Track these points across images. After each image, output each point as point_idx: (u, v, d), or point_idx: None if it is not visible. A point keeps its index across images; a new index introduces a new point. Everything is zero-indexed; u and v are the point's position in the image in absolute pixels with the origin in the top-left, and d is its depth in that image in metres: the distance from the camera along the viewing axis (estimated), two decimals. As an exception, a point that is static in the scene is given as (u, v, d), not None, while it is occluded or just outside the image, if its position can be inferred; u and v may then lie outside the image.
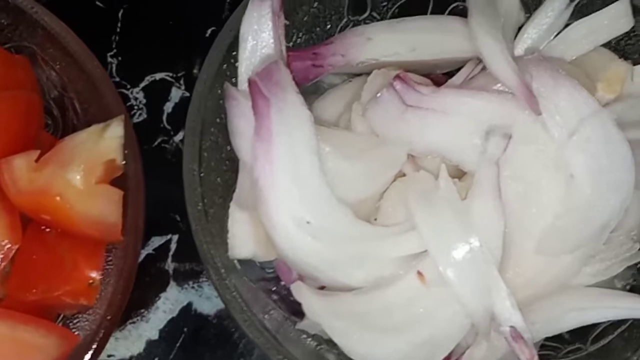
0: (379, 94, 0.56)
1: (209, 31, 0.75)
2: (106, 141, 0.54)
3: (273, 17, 0.56)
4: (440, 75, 0.64)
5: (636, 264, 0.59)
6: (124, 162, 0.55)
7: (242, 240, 0.55)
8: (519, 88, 0.54)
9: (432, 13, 0.66)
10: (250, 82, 0.54)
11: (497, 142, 0.52)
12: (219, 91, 0.58)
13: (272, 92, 0.53)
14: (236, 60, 0.58)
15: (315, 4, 0.63)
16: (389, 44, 0.59)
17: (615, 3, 0.59)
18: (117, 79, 0.74)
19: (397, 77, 0.56)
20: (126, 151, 0.55)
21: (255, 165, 0.53)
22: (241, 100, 0.55)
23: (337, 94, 0.60)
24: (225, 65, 0.59)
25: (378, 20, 0.66)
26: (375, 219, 0.57)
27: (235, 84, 0.58)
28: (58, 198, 0.52)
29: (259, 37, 0.57)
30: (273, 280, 0.58)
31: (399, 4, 0.66)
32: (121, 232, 0.54)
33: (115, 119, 0.55)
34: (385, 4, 0.66)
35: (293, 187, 0.52)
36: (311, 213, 0.53)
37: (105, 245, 0.56)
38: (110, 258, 0.55)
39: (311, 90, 0.63)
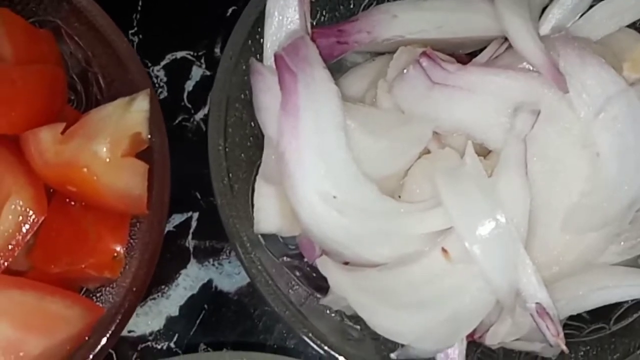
0: (405, 71, 0.55)
1: (230, 10, 0.75)
2: (132, 114, 0.54)
3: (300, -7, 0.56)
4: (463, 55, 0.64)
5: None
6: (149, 136, 0.55)
7: (267, 214, 0.55)
8: (546, 66, 0.54)
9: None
10: (277, 57, 0.54)
11: (525, 118, 0.52)
12: (244, 67, 0.58)
13: (299, 67, 0.53)
14: (261, 37, 0.58)
15: (340, -18, 0.63)
16: (414, 22, 0.59)
17: (641, -17, 0.59)
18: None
19: (424, 53, 0.55)
20: (152, 125, 0.55)
21: (282, 140, 0.53)
22: (267, 76, 0.55)
23: (362, 72, 0.60)
24: (250, 42, 0.59)
25: (402, -1, 0.66)
26: (400, 196, 0.56)
27: (260, 60, 0.58)
28: (85, 170, 0.52)
29: (285, 12, 0.57)
30: (296, 257, 0.58)
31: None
32: (146, 205, 0.54)
33: (141, 93, 0.55)
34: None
35: (319, 161, 0.52)
36: (337, 188, 0.53)
37: (130, 219, 0.56)
38: (134, 232, 0.55)
39: (334, 69, 0.62)
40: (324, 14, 0.64)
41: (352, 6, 0.65)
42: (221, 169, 0.55)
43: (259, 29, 0.58)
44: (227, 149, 0.55)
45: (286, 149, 0.53)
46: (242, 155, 0.57)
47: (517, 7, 0.57)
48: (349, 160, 0.53)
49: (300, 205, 0.53)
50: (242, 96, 0.58)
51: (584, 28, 0.60)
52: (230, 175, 0.55)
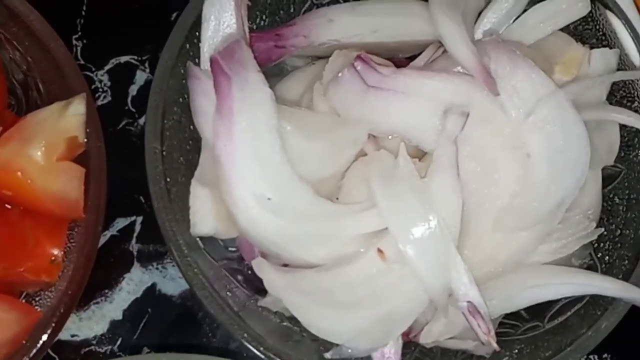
0: (340, 74, 0.56)
1: (174, 15, 0.75)
2: (68, 118, 0.54)
3: (236, -4, 0.57)
4: (402, 59, 0.65)
5: (592, 243, 0.60)
6: (85, 140, 0.55)
7: (204, 216, 0.56)
8: (477, 69, 0.55)
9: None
10: (212, 60, 0.55)
11: (455, 120, 0.53)
12: (182, 71, 0.59)
13: (233, 70, 0.54)
14: (199, 40, 0.59)
15: (278, -15, 0.64)
16: (350, 26, 0.60)
17: (573, -13, 0.60)
18: (82, 62, 0.74)
19: (358, 57, 0.56)
20: (88, 129, 0.55)
21: (217, 143, 0.53)
22: (203, 79, 0.56)
23: (300, 75, 0.61)
24: (187, 45, 0.59)
25: (341, 3, 0.67)
26: (337, 198, 0.57)
27: (197, 64, 0.58)
28: (19, 173, 0.52)
29: (221, 16, 0.57)
30: (236, 260, 0.59)
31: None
32: (83, 209, 0.54)
33: (77, 97, 0.55)
34: (349, -15, 0.66)
35: (254, 164, 0.53)
36: (272, 190, 0.53)
37: (68, 223, 0.56)
38: (72, 235, 0.55)
39: (274, 73, 0.63)
40: (264, 18, 0.64)
41: (292, 10, 0.66)
42: (157, 172, 0.55)
43: (197, 33, 0.58)
44: (164, 153, 0.56)
45: (221, 152, 0.53)
46: (181, 158, 0.58)
47: (451, 11, 0.58)
48: (284, 163, 0.53)
49: (236, 208, 0.53)
50: (181, 100, 0.58)
51: (517, 32, 0.61)
52: (168, 179, 0.55)
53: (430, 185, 0.54)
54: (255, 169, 0.53)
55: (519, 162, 0.55)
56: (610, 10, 0.60)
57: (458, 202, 0.54)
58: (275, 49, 0.60)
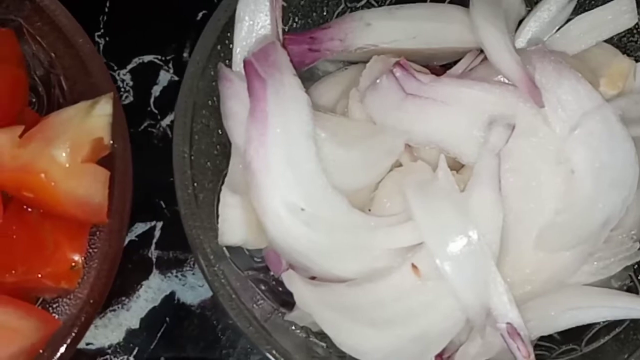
0: (378, 80, 0.54)
1: (200, 14, 0.73)
2: (94, 119, 0.52)
3: (270, -1, 0.55)
4: (438, 67, 0.63)
5: (633, 265, 0.58)
6: (111, 142, 0.53)
7: (233, 226, 0.53)
8: (521, 79, 0.53)
9: (432, 1, 0.65)
10: (246, 63, 0.52)
11: (500, 132, 0.51)
12: (212, 73, 0.57)
13: (268, 73, 0.52)
14: (230, 42, 0.57)
15: (312, -13, 0.62)
16: (388, 31, 0.57)
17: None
18: (104, 61, 0.71)
19: (398, 64, 0.54)
20: (114, 131, 0.53)
21: (249, 148, 0.51)
22: (235, 82, 0.54)
23: (334, 81, 0.59)
24: (219, 47, 0.57)
25: (377, 7, 0.65)
26: (370, 210, 0.55)
27: (229, 66, 0.56)
28: (42, 175, 0.50)
29: (255, 17, 0.55)
30: (262, 270, 0.56)
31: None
32: (107, 214, 0.52)
33: (104, 97, 0.53)
34: (385, -11, 0.64)
35: (287, 171, 0.51)
36: (305, 199, 0.51)
37: (90, 228, 0.53)
38: (94, 241, 0.53)
39: (306, 77, 0.61)
40: (296, 20, 0.62)
41: (325, 13, 0.64)
42: (186, 177, 0.53)
43: (229, 34, 0.56)
44: (192, 157, 0.54)
45: (253, 158, 0.51)
46: (208, 163, 0.56)
47: (494, 18, 0.56)
48: (318, 172, 0.51)
49: (267, 217, 0.51)
50: (210, 103, 0.56)
51: (560, 42, 0.59)
52: (195, 184, 0.53)
53: (469, 199, 0.51)
54: (289, 177, 0.51)
55: (563, 177, 0.53)
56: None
57: (499, 217, 0.51)
58: (310, 53, 0.58)
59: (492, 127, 0.51)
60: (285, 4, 0.58)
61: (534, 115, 0.53)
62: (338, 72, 0.60)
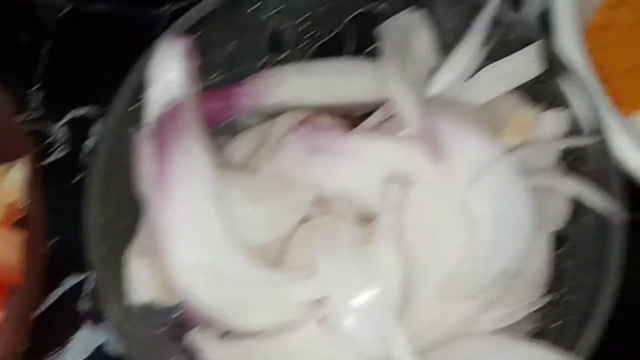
0: (286, 138, 0.55)
1: (135, 67, 0.74)
2: (8, 183, 0.53)
3: (183, 58, 0.56)
4: (359, 116, 0.64)
5: (543, 308, 0.59)
6: (26, 205, 0.54)
7: (142, 284, 0.55)
8: (422, 133, 0.54)
9: (354, 51, 0.67)
10: (154, 125, 0.54)
11: (397, 189, 0.52)
12: (128, 133, 0.58)
13: (174, 135, 0.53)
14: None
15: (233, 43, 0.63)
16: (299, 87, 0.59)
17: (525, 48, 0.59)
18: (39, 114, 0.73)
19: (305, 120, 0.56)
20: (30, 194, 0.55)
21: (156, 209, 0.53)
22: (147, 143, 0.55)
23: (248, 136, 0.60)
24: (135, 105, 0.58)
25: (299, 59, 0.66)
26: (282, 264, 0.56)
27: (144, 126, 0.57)
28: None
29: (167, 78, 0.56)
30: (178, 326, 0.58)
31: (320, 42, 0.66)
32: (21, 276, 0.53)
33: (19, 161, 0.54)
34: (306, 42, 0.66)
35: (193, 231, 0.52)
36: (211, 258, 0.53)
37: (6, 289, 0.55)
38: (10, 302, 0.55)
39: (227, 130, 0.63)
40: (217, 74, 0.64)
41: (247, 66, 0.65)
42: (97, 236, 0.54)
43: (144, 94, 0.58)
44: (105, 216, 0.55)
45: (160, 219, 0.52)
46: (122, 222, 0.57)
47: (401, 70, 0.57)
48: (223, 230, 0.52)
49: (176, 276, 0.53)
50: (125, 162, 0.57)
51: (470, 91, 0.60)
52: (108, 243, 0.54)
53: (373, 252, 0.53)
54: (195, 238, 0.52)
55: (465, 228, 0.54)
56: (563, 71, 0.59)
57: (401, 270, 0.53)
58: (225, 110, 0.60)
59: (389, 183, 0.52)
60: (201, 62, 0.60)
61: (437, 167, 0.55)
62: (254, 127, 0.61)
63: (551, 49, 0.59)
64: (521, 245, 0.53)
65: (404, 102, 0.56)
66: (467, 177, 0.54)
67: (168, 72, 0.56)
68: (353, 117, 0.63)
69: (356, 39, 0.67)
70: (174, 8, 0.77)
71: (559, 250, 0.61)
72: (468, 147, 0.55)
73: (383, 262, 0.53)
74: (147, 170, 0.55)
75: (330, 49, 0.67)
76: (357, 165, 0.55)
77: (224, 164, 0.57)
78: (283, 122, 0.56)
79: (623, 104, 0.71)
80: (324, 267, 0.52)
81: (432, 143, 0.54)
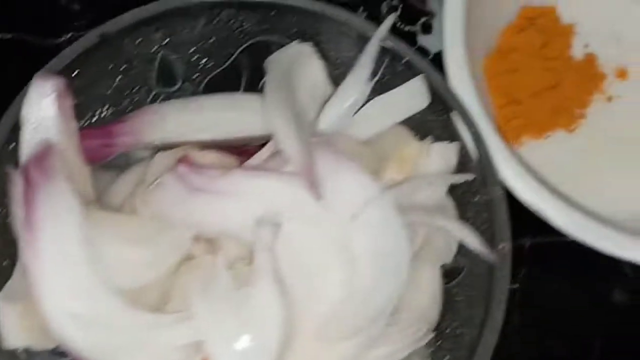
0: (162, 178, 0.54)
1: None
2: None
3: (56, 97, 0.55)
4: (256, 147, 0.63)
5: (435, 341, 0.59)
6: None
7: (13, 330, 0.54)
8: (303, 170, 0.54)
9: (246, 85, 0.66)
10: (23, 167, 0.53)
11: (268, 231, 0.52)
12: (6, 170, 0.56)
13: (41, 178, 0.52)
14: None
15: (119, 78, 0.62)
16: (181, 124, 0.58)
17: (411, 80, 0.59)
18: None
19: (182, 160, 0.55)
20: None
21: (24, 254, 0.52)
22: (19, 184, 0.54)
23: (130, 174, 0.59)
24: (13, 145, 0.57)
25: (191, 92, 0.66)
26: (166, 304, 0.55)
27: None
28: None
29: (40, 118, 0.55)
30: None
31: (211, 75, 0.65)
32: None
33: None
34: (197, 75, 0.65)
35: (62, 277, 0.51)
36: (82, 303, 0.52)
37: None
38: None
39: (121, 163, 0.62)
40: (105, 109, 0.63)
41: (137, 99, 0.64)
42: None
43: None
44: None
45: (30, 263, 0.51)
46: (4, 263, 0.56)
47: (284, 106, 0.57)
48: (93, 275, 0.52)
49: (49, 322, 0.52)
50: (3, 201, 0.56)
51: (357, 124, 0.60)
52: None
53: (250, 295, 0.52)
54: (64, 283, 0.51)
55: (344, 266, 0.54)
56: (451, 103, 0.58)
57: (280, 312, 0.52)
58: (105, 148, 0.59)
59: (260, 225, 0.52)
60: (89, 93, 0.59)
61: (318, 204, 0.54)
62: (134, 167, 0.60)
63: (438, 81, 0.59)
64: (398, 283, 0.53)
65: (285, 139, 0.55)
66: (347, 214, 0.54)
67: (40, 112, 0.55)
68: (251, 147, 0.62)
69: (251, 71, 0.66)
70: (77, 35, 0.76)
71: (452, 283, 0.61)
72: (348, 184, 0.54)
73: (261, 305, 0.52)
74: (18, 212, 0.53)
75: (227, 81, 0.66)
76: (237, 203, 0.54)
77: (102, 203, 0.56)
78: (159, 163, 0.56)
79: (534, 125, 0.71)
80: (201, 310, 0.52)
81: (312, 180, 0.53)
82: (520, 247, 0.71)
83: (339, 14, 0.60)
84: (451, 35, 0.61)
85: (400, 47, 0.59)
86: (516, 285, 0.70)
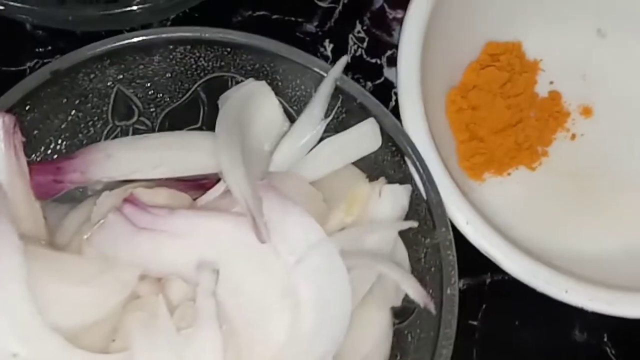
0: (107, 218, 0.54)
1: None
2: None
3: (4, 135, 0.55)
4: (214, 181, 0.63)
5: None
6: None
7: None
8: (250, 212, 0.54)
9: (205, 119, 0.66)
10: (-35, 205, 0.53)
11: (207, 276, 0.51)
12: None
13: (-18, 218, 0.52)
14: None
15: (73, 112, 0.62)
16: (129, 162, 0.58)
17: (362, 122, 0.59)
18: None
19: (127, 199, 0.55)
20: None
21: (-36, 295, 0.51)
22: (-38, 222, 0.54)
23: (79, 210, 0.59)
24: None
25: (148, 127, 0.65)
26: (113, 343, 0.55)
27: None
28: None
29: (-14, 155, 0.55)
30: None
31: (168, 109, 0.65)
32: None
33: None
34: (154, 109, 0.65)
35: (2, 317, 0.51)
36: (21, 344, 0.51)
37: None
38: None
39: (78, 196, 0.62)
40: (59, 142, 0.63)
41: (92, 132, 0.64)
42: None
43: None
44: None
45: (-32, 304, 0.51)
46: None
47: (233, 147, 0.57)
48: (34, 314, 0.51)
49: (-10, 362, 0.51)
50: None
51: (310, 164, 0.60)
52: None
53: (191, 338, 0.52)
54: (4, 322, 0.51)
55: (289, 310, 0.54)
56: (404, 145, 0.58)
57: (218, 357, 0.52)
58: (54, 184, 0.58)
59: (199, 271, 0.52)
60: (43, 128, 0.59)
61: (265, 247, 0.54)
62: (86, 201, 0.59)
63: (390, 123, 0.58)
64: (343, 327, 0.53)
65: (232, 180, 0.55)
66: (292, 258, 0.53)
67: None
68: (209, 181, 0.62)
69: (210, 105, 0.66)
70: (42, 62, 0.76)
71: (403, 324, 0.60)
72: (294, 228, 0.54)
73: (202, 349, 0.52)
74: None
75: (186, 115, 0.66)
76: (183, 243, 0.55)
77: (55, 238, 0.56)
78: (105, 201, 0.55)
79: (496, 162, 0.71)
80: (141, 352, 0.52)
81: (258, 223, 0.53)
82: (482, 284, 0.71)
83: (294, 53, 0.59)
84: (406, 76, 0.60)
85: (352, 88, 0.59)
86: (475, 323, 0.70)
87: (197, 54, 0.62)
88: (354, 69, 0.74)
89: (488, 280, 0.71)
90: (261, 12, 0.75)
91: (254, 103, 0.61)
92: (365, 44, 0.76)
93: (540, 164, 0.72)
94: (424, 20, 0.62)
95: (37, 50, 0.75)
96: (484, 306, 0.70)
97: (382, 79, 0.76)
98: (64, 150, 0.63)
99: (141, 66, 0.61)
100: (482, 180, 0.71)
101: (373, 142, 0.59)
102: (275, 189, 0.55)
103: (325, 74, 0.59)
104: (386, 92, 0.75)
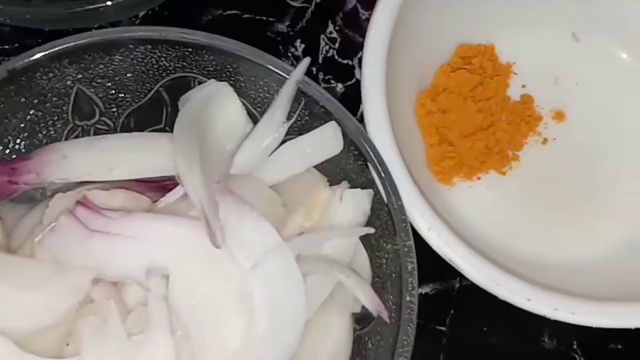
0: (59, 220, 0.53)
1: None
2: None
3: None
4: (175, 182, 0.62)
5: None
6: None
7: None
8: (205, 215, 0.53)
9: (168, 119, 0.65)
10: None
11: (157, 281, 0.51)
12: None
13: None
14: None
15: (32, 112, 0.61)
16: (84, 163, 0.57)
17: (324, 126, 0.58)
18: None
19: (79, 202, 0.54)
20: None
21: None
22: None
23: (33, 213, 0.58)
24: None
25: (110, 127, 0.64)
26: (68, 344, 0.54)
27: None
28: None
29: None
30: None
31: (130, 110, 0.64)
32: None
33: None
34: (115, 109, 0.64)
35: (-51, 322, 0.50)
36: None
37: None
38: None
39: (37, 198, 0.61)
40: (18, 142, 0.62)
41: (52, 132, 0.63)
42: None
43: None
44: None
45: None
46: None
47: (191, 150, 0.56)
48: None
49: None
50: None
51: (271, 167, 0.59)
52: None
53: (142, 343, 0.51)
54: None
55: (244, 315, 0.53)
56: (363, 151, 0.57)
57: (171, 362, 0.51)
58: (9, 185, 0.57)
59: (149, 276, 0.51)
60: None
61: (221, 252, 0.53)
62: (41, 202, 0.58)
63: (352, 127, 0.57)
64: (297, 334, 0.52)
65: (189, 183, 0.54)
66: (248, 263, 0.53)
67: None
68: (170, 182, 0.60)
69: (173, 105, 0.65)
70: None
71: (364, 330, 0.60)
72: (250, 233, 0.53)
73: (153, 355, 0.51)
74: None
75: (149, 114, 0.65)
76: (137, 246, 0.54)
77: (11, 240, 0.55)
78: (57, 204, 0.54)
79: (465, 166, 0.70)
80: (90, 357, 0.51)
81: (213, 227, 0.52)
82: (450, 289, 0.70)
83: (256, 54, 0.58)
84: (370, 78, 0.59)
85: (315, 91, 0.58)
86: (444, 328, 0.69)
87: (159, 54, 0.60)
88: (326, 70, 0.73)
89: (457, 286, 0.70)
90: (232, 11, 0.74)
91: (215, 104, 0.60)
92: (337, 45, 0.75)
93: (510, 168, 0.71)
94: (391, 21, 0.61)
95: (3, 47, 0.73)
96: (452, 311, 0.69)
97: (354, 80, 0.75)
98: (23, 150, 0.62)
99: (101, 65, 0.60)
100: (452, 184, 0.70)
101: (335, 146, 0.58)
102: (233, 193, 0.54)
103: (287, 76, 0.58)
104: (358, 94, 0.73)
